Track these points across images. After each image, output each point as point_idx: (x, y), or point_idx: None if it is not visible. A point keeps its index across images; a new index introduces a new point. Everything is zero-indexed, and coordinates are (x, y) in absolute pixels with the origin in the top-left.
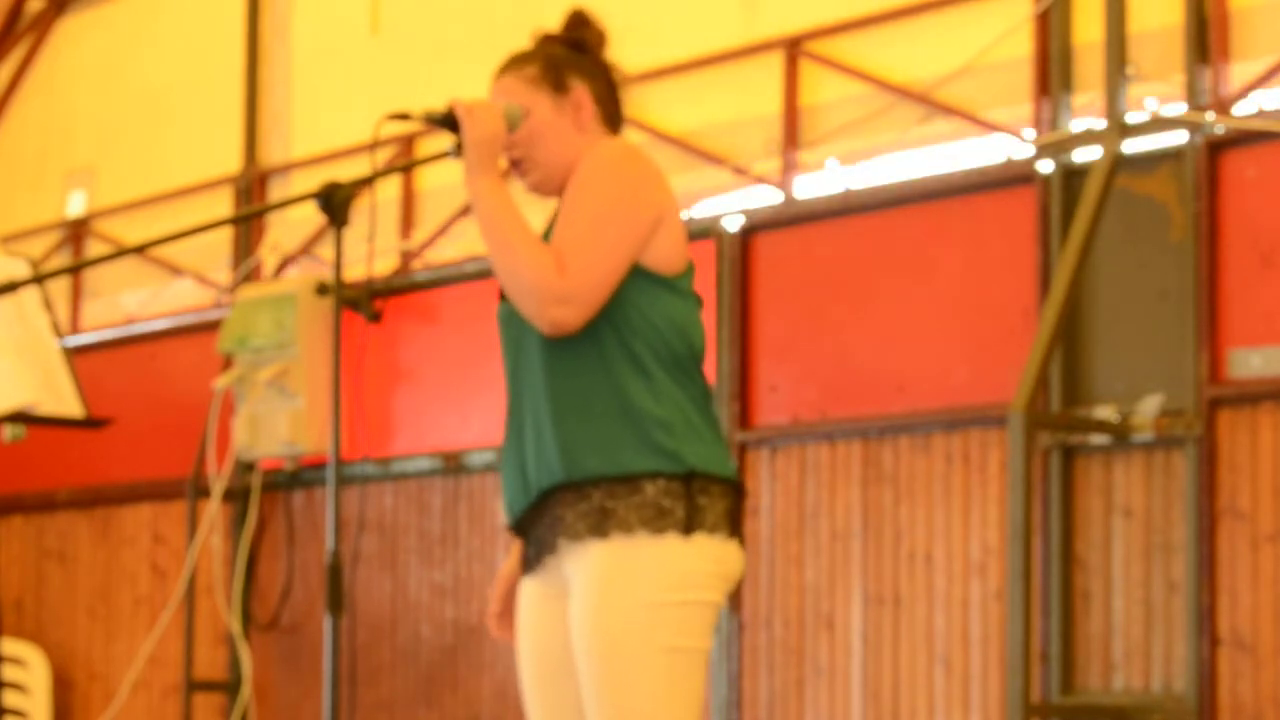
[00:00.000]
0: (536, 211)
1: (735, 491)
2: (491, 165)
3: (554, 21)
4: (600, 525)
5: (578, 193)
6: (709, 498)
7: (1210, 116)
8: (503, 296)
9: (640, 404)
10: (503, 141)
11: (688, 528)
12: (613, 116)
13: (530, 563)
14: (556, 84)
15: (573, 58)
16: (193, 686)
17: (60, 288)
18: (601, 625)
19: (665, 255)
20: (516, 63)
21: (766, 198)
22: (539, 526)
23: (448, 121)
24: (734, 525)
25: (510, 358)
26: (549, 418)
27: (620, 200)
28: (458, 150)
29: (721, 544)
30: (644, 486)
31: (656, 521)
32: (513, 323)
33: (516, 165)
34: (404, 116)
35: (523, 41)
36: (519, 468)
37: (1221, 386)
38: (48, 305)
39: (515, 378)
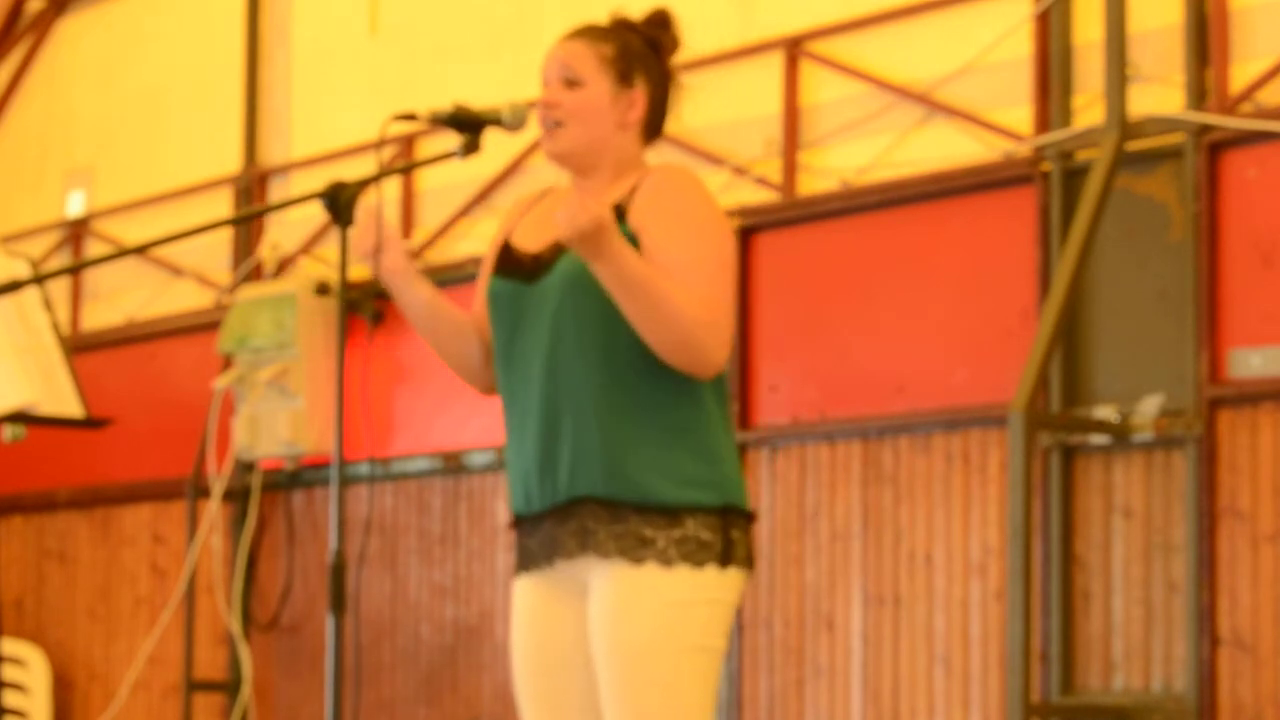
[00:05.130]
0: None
1: (751, 524)
2: (616, 234)
3: (553, 22)
4: (635, 551)
5: (688, 227)
6: (740, 531)
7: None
8: (496, 272)
9: (690, 429)
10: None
11: (724, 561)
12: (655, 126)
13: (536, 560)
14: (624, 75)
15: (647, 57)
16: (193, 686)
17: (60, 288)
18: (629, 625)
19: None
20: (594, 35)
21: (766, 198)
22: (559, 529)
23: (453, 122)
24: (753, 559)
25: (506, 338)
26: (595, 427)
27: (725, 236)
28: (464, 151)
29: (745, 577)
30: (684, 519)
31: (697, 555)
32: (513, 305)
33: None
34: (411, 117)
35: (521, 41)
36: (549, 462)
37: (1221, 386)
38: (48, 305)
39: (525, 362)
